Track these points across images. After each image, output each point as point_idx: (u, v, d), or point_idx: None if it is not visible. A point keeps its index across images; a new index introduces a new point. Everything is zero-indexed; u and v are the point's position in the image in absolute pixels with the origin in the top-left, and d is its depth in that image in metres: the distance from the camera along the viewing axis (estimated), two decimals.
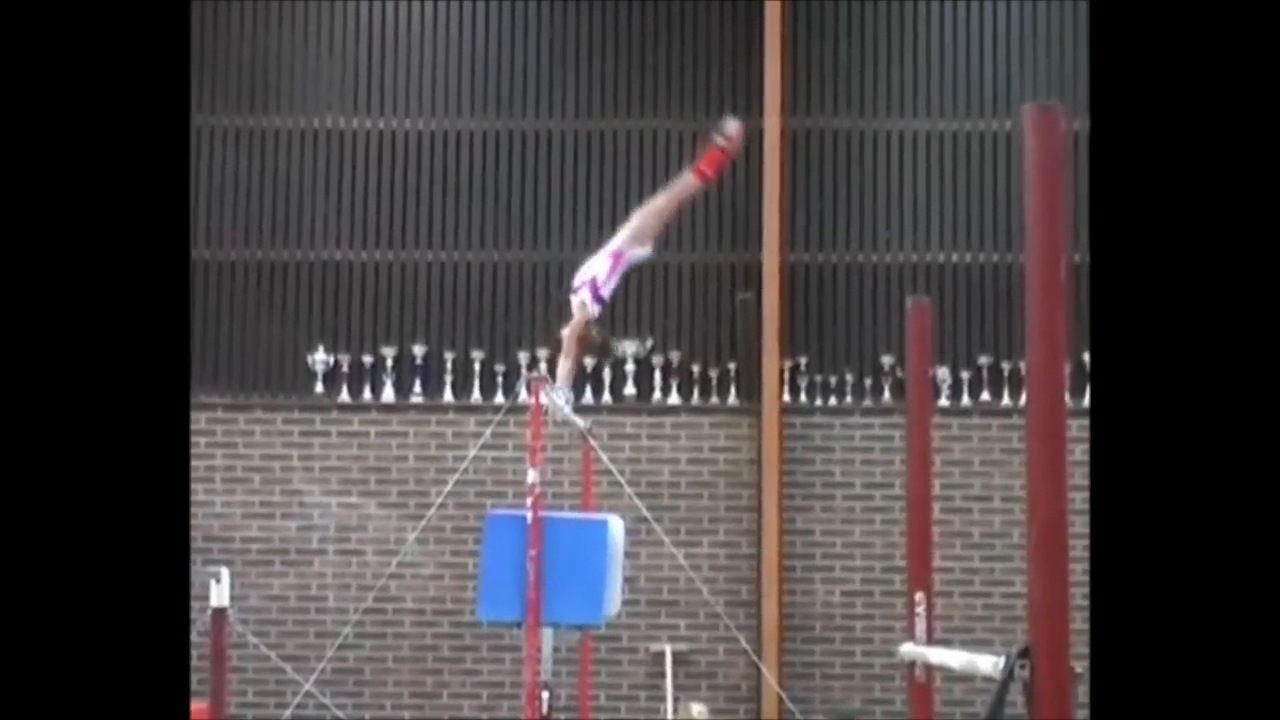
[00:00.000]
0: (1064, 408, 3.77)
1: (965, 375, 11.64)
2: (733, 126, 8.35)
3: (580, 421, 9.52)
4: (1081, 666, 11.02)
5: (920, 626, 5.68)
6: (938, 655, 5.34)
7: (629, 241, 8.35)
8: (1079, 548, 12.83)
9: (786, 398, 11.69)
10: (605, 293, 8.26)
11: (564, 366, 8.38)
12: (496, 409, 11.10)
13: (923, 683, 5.73)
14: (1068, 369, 12.44)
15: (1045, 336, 3.73)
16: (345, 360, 11.84)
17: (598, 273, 8.26)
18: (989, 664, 3.99)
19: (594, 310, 8.24)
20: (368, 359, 11.83)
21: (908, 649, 5.65)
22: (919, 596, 5.72)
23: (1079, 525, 12.93)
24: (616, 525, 8.43)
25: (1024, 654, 3.68)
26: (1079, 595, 12.84)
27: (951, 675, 8.39)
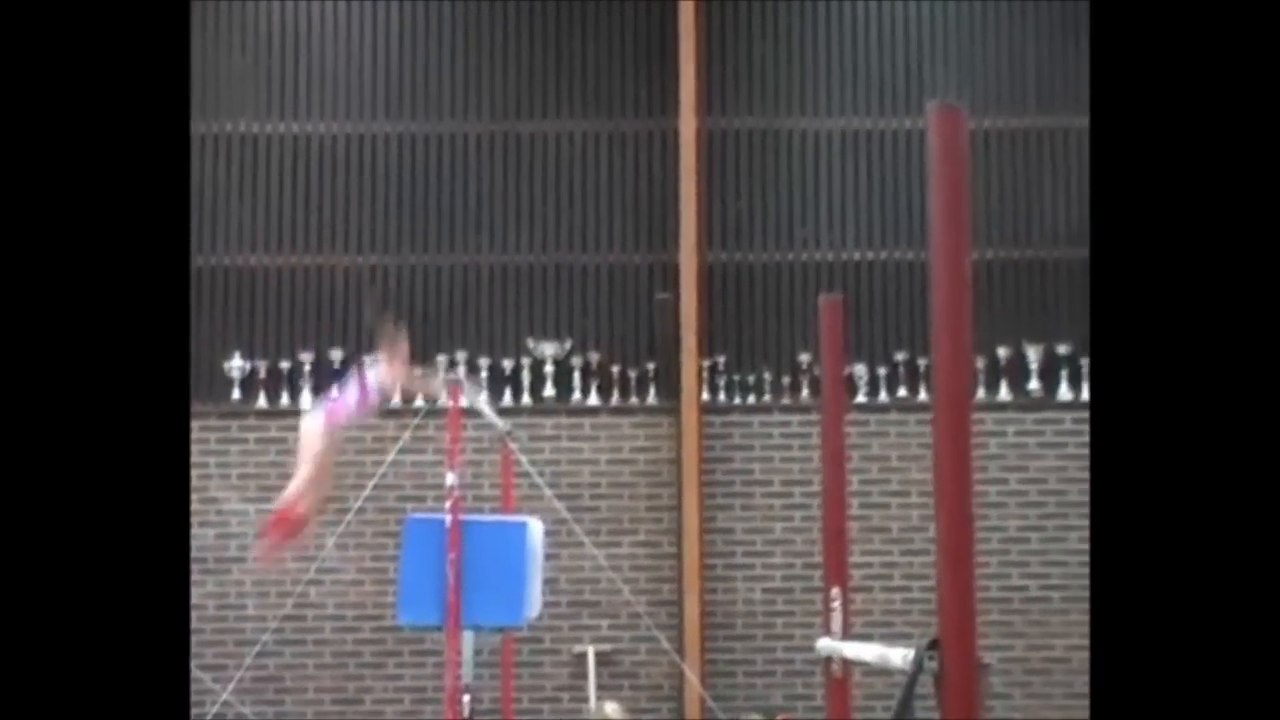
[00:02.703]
0: (969, 402, 3.81)
1: (882, 371, 11.74)
2: None
3: (500, 423, 9.52)
4: (990, 657, 11.15)
5: (836, 622, 5.73)
6: (852, 649, 5.39)
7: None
8: (995, 540, 12.98)
9: (706, 397, 11.73)
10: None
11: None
12: (416, 413, 11.06)
13: (840, 677, 5.77)
14: (981, 363, 12.45)
15: (950, 332, 3.76)
16: (262, 366, 11.75)
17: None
18: (899, 657, 4.03)
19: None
20: (285, 365, 11.75)
21: (824, 644, 5.70)
22: (834, 592, 5.76)
23: (994, 517, 13.06)
24: (536, 527, 8.44)
25: (933, 645, 3.71)
26: (995, 587, 12.99)
27: (873, 669, 8.45)
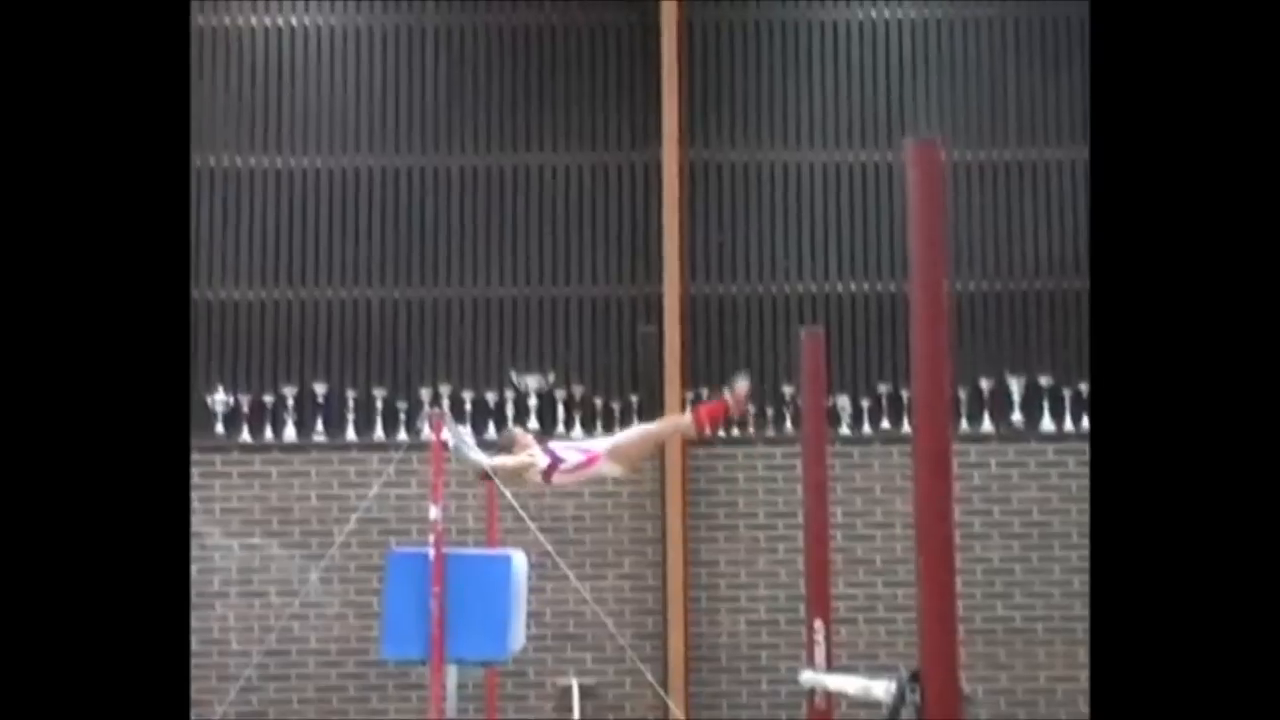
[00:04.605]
0: (948, 433, 3.84)
1: (865, 403, 11.76)
2: (742, 386, 8.61)
3: (484, 460, 9.51)
4: (975, 688, 11.15)
5: (819, 654, 5.74)
6: (835, 681, 5.40)
7: (608, 452, 8.35)
8: (979, 571, 12.98)
9: None
10: (556, 476, 8.30)
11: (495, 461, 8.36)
12: (399, 446, 11.05)
13: (823, 709, 5.79)
14: (963, 395, 12.42)
15: (928, 363, 3.80)
16: (246, 400, 11.74)
17: (565, 455, 8.30)
18: (881, 689, 4.05)
19: (538, 468, 8.24)
20: (269, 398, 11.75)
21: (807, 676, 5.71)
22: (818, 624, 5.78)
23: (978, 549, 13.06)
24: (520, 560, 8.43)
25: (915, 677, 3.73)
26: (979, 618, 12.97)
27: (856, 701, 8.45)
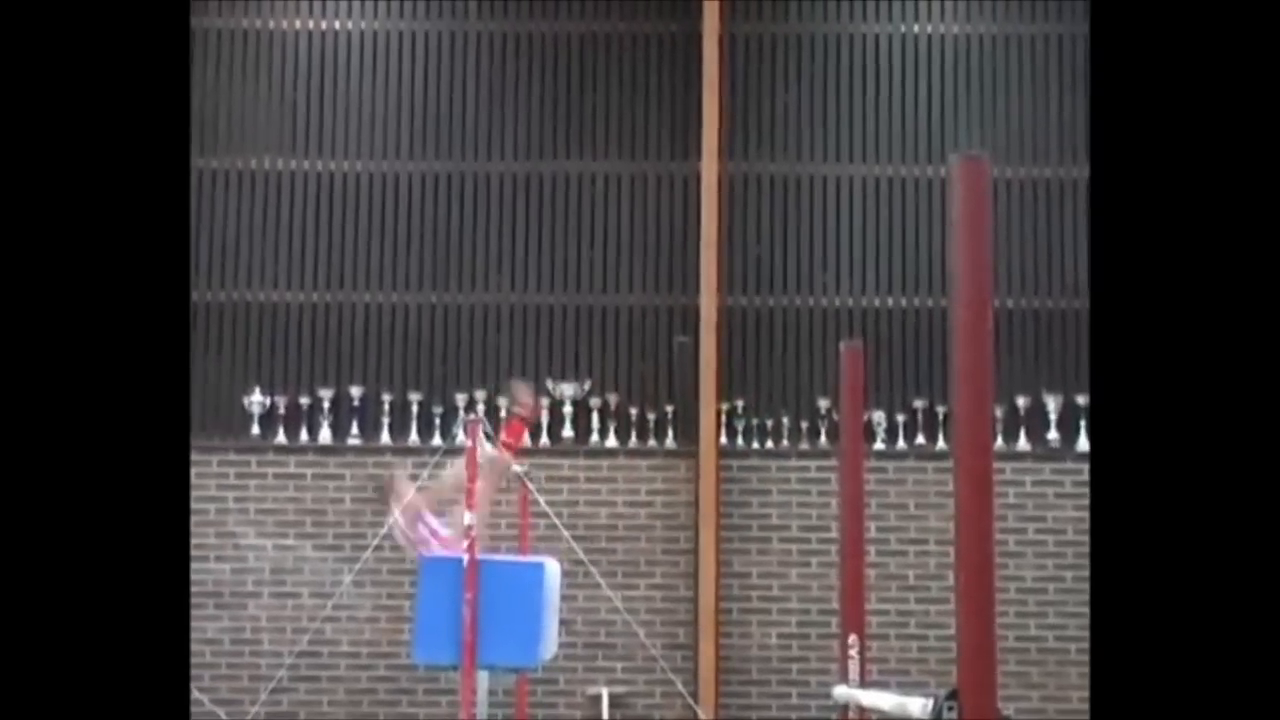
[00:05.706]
0: (990, 451, 3.82)
1: (901, 419, 11.73)
2: (524, 393, 8.72)
3: (516, 465, 9.53)
4: (1007, 708, 11.08)
5: (853, 669, 5.73)
6: (869, 697, 5.39)
7: (449, 531, 8.39)
8: (1012, 590, 12.93)
9: (724, 441, 11.73)
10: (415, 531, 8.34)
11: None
12: (434, 451, 11.07)
13: None
14: (999, 413, 12.38)
15: (971, 381, 3.78)
16: (282, 402, 11.78)
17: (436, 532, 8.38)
18: (918, 706, 4.03)
19: (400, 530, 8.28)
20: (304, 400, 11.79)
21: (840, 691, 5.70)
22: (852, 639, 5.76)
23: (1012, 567, 13.01)
24: (553, 568, 8.45)
25: (952, 696, 3.71)
26: (1012, 637, 12.93)
27: (889, 718, 8.42)
